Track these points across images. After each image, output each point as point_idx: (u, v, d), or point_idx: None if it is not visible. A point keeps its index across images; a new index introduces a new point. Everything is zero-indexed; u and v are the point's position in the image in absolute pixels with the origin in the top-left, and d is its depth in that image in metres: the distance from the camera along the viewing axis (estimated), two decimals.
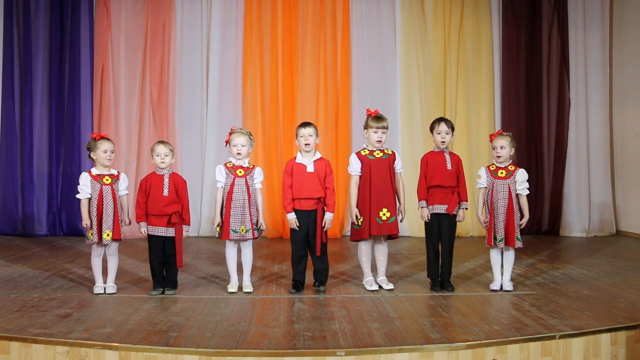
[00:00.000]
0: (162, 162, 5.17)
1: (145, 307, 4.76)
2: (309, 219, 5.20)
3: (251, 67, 8.75)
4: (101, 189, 5.11)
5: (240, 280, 5.33)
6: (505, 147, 5.26)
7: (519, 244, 5.22)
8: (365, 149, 5.35)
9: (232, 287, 5.27)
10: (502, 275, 5.33)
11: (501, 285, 5.31)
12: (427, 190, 5.32)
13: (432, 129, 5.45)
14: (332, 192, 5.25)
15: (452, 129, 5.42)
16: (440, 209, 5.27)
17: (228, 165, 5.25)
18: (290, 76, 8.80)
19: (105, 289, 5.21)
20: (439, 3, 8.90)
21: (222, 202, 5.21)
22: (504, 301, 4.96)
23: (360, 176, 5.30)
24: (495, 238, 5.20)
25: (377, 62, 8.92)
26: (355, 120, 8.66)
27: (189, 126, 8.85)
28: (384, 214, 5.23)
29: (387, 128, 5.33)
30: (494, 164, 5.35)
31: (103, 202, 5.09)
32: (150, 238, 5.16)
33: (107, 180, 5.15)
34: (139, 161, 8.66)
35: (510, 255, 5.29)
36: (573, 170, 8.98)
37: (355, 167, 5.30)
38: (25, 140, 8.65)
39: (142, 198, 5.15)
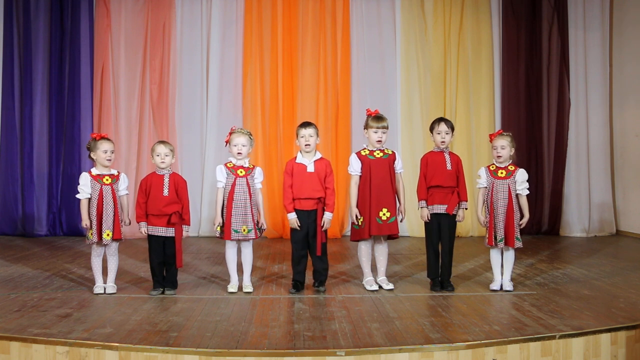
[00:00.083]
0: (162, 162, 5.17)
1: (145, 307, 4.76)
2: (309, 219, 5.20)
3: (251, 67, 8.75)
4: (101, 189, 5.11)
5: (240, 280, 5.33)
6: (505, 147, 5.26)
7: (518, 244, 5.22)
8: (365, 149, 5.36)
9: (232, 287, 5.27)
10: (502, 275, 5.33)
11: (501, 285, 5.31)
12: (427, 190, 5.32)
13: (432, 129, 5.45)
14: (332, 192, 5.25)
15: (452, 129, 5.43)
16: (440, 209, 5.27)
17: (229, 165, 5.25)
18: (290, 76, 8.80)
19: (105, 289, 5.21)
20: (439, 3, 8.91)
21: (223, 202, 5.21)
22: (504, 301, 4.96)
23: (360, 176, 5.30)
24: (495, 238, 5.21)
25: (377, 62, 8.92)
26: (355, 120, 8.66)
27: (189, 126, 8.85)
28: (384, 214, 5.23)
29: (387, 128, 5.33)
30: (493, 164, 5.35)
31: (103, 202, 5.09)
32: (150, 238, 5.16)
33: (107, 180, 5.15)
34: (139, 161, 8.66)
35: (510, 255, 5.29)
36: (573, 170, 8.99)
37: (355, 167, 5.30)
38: (25, 140, 8.65)
39: (142, 198, 5.15)
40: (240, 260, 5.32)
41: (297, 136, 5.31)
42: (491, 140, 5.35)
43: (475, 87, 8.93)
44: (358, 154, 5.34)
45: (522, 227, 5.26)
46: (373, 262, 5.47)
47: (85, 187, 5.12)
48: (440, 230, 5.32)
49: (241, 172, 5.21)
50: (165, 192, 5.12)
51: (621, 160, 9.02)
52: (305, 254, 5.28)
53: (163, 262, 5.18)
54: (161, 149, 5.19)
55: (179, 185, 5.19)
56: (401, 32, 8.94)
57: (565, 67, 8.95)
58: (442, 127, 5.36)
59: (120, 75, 8.70)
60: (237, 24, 8.84)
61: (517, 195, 5.25)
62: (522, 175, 5.28)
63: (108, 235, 5.08)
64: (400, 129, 8.86)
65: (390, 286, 5.34)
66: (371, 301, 4.94)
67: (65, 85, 8.71)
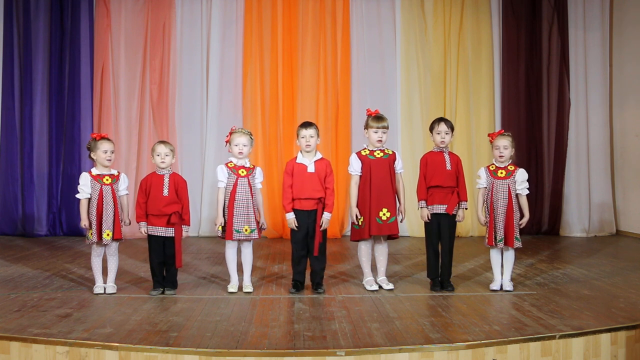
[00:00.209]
0: (163, 162, 5.17)
1: (145, 307, 4.76)
2: (309, 219, 5.20)
3: (251, 67, 8.76)
4: (101, 189, 5.11)
5: (241, 280, 5.33)
6: (508, 147, 5.26)
7: (518, 244, 5.22)
8: (365, 149, 5.36)
9: (232, 287, 5.27)
10: (502, 275, 5.33)
11: (501, 285, 5.31)
12: (427, 190, 5.32)
13: (431, 129, 5.45)
14: (331, 192, 5.25)
15: (452, 129, 5.43)
16: (440, 209, 5.27)
17: (230, 165, 5.25)
18: (290, 76, 8.80)
19: (105, 289, 5.21)
20: (439, 3, 8.91)
21: (224, 202, 5.21)
22: (504, 301, 4.96)
23: (360, 176, 5.30)
24: (495, 238, 5.20)
25: (377, 62, 8.92)
26: (355, 120, 8.66)
27: (189, 126, 8.85)
28: (384, 214, 5.23)
29: (387, 128, 5.33)
30: (493, 164, 5.35)
31: (103, 202, 5.09)
32: (150, 238, 5.16)
33: (107, 180, 5.15)
34: (139, 161, 8.66)
35: (510, 255, 5.29)
36: (573, 170, 8.99)
37: (355, 167, 5.31)
38: (25, 140, 8.65)
39: (142, 198, 5.15)
40: (240, 260, 5.32)
41: (297, 136, 5.31)
42: (491, 140, 5.35)
43: (475, 87, 8.93)
44: (358, 154, 5.34)
45: (522, 227, 5.26)
46: (373, 262, 5.46)
47: (85, 187, 5.12)
48: (440, 230, 5.32)
49: (242, 172, 5.21)
50: (165, 192, 5.12)
51: (621, 160, 9.02)
52: (306, 254, 5.28)
53: (163, 262, 5.18)
54: (161, 149, 5.19)
55: (179, 185, 5.19)
56: (401, 32, 8.94)
57: (565, 67, 8.95)
58: (442, 127, 5.36)
59: (120, 75, 8.70)
60: (237, 24, 8.84)
61: (517, 195, 5.25)
62: (522, 175, 5.28)
63: (108, 235, 5.08)
64: (400, 129, 8.86)
65: (390, 286, 5.34)
66: (371, 301, 4.94)
67: (65, 85, 8.71)
